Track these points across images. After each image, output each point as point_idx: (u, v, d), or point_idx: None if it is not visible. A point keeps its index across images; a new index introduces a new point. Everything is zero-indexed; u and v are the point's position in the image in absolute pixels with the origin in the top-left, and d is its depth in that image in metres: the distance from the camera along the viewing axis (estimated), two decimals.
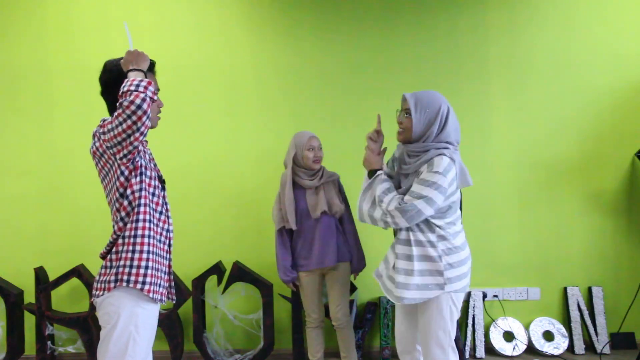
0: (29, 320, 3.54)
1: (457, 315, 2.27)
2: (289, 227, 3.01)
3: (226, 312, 3.64)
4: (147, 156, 2.01)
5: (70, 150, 3.66)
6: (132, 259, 1.89)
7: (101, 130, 1.89)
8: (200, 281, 3.51)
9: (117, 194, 1.91)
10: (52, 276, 3.53)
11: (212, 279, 3.60)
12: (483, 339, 3.71)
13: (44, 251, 3.65)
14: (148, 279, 1.90)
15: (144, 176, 1.93)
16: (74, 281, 3.54)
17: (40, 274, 3.48)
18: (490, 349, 3.75)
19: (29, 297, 3.57)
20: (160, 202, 2.01)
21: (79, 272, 3.46)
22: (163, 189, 2.06)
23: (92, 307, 3.46)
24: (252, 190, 3.74)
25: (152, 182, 1.97)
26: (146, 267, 1.90)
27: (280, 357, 3.69)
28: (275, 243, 3.10)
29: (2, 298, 3.49)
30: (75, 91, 3.65)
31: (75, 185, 3.66)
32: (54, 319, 3.46)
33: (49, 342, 3.50)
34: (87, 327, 3.45)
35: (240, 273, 3.53)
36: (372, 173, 2.34)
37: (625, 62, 3.83)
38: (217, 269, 3.54)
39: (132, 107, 1.74)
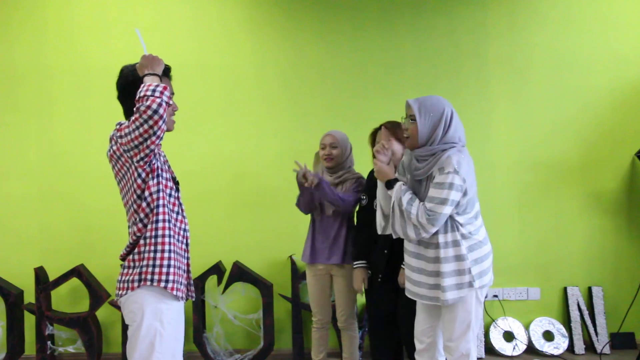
0: (29, 320, 3.54)
1: (481, 309, 2.35)
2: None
3: (226, 312, 3.64)
4: (161, 158, 2.05)
5: (71, 150, 3.66)
6: (154, 259, 1.93)
7: (118, 134, 1.93)
8: (200, 281, 3.51)
9: (135, 196, 1.95)
10: (52, 276, 3.53)
11: (212, 279, 3.60)
12: (483, 339, 3.71)
13: (44, 251, 3.65)
14: (171, 277, 1.94)
15: (160, 178, 1.98)
16: (74, 281, 3.54)
17: (40, 274, 3.48)
18: (490, 349, 3.75)
19: (29, 297, 3.56)
20: (176, 202, 2.06)
21: (79, 272, 3.46)
22: (177, 190, 2.10)
23: (92, 307, 3.46)
24: (253, 190, 3.73)
25: (168, 184, 2.01)
26: (168, 266, 1.94)
27: (280, 357, 3.69)
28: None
29: (2, 298, 3.49)
30: (75, 91, 3.65)
31: (75, 185, 3.66)
32: (54, 319, 3.46)
33: (49, 342, 3.49)
34: (87, 327, 3.45)
35: (240, 273, 3.53)
36: (389, 184, 2.35)
37: (625, 62, 3.82)
38: (217, 269, 3.54)
39: (149, 112, 1.80)
